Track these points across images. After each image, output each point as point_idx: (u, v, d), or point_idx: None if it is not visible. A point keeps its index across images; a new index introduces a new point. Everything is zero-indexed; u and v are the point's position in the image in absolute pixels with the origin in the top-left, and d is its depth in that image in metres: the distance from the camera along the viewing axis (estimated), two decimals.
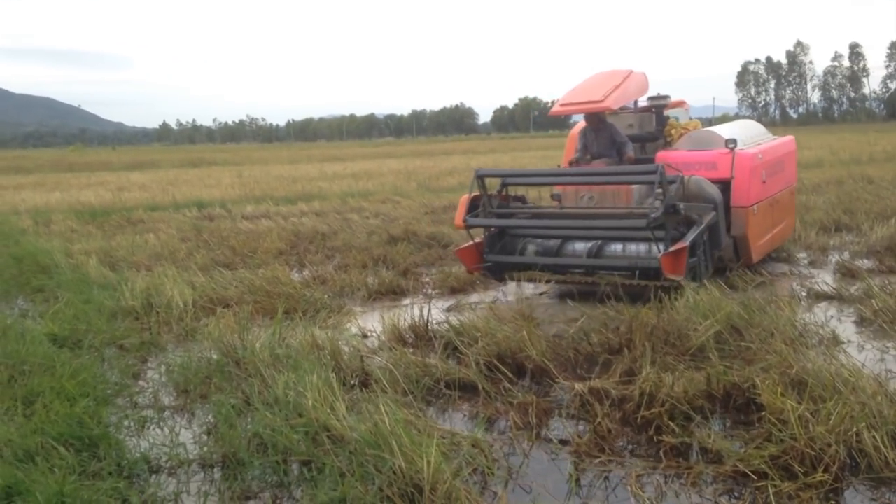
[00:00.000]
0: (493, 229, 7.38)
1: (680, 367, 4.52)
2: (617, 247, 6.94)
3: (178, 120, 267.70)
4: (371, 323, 6.25)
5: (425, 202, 15.31)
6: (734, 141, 7.22)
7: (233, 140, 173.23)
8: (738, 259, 7.30)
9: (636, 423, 3.99)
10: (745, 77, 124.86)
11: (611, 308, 5.74)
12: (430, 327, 5.66)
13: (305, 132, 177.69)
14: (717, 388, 4.20)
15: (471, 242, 7.33)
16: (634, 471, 3.49)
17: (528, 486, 3.43)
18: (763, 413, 3.77)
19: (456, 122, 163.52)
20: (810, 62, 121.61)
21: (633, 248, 6.85)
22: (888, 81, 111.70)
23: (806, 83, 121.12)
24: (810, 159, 22.02)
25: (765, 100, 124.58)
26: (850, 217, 10.56)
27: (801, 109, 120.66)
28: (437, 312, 6.32)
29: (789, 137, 8.96)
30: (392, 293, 7.54)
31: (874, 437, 3.39)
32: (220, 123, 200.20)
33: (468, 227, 7.25)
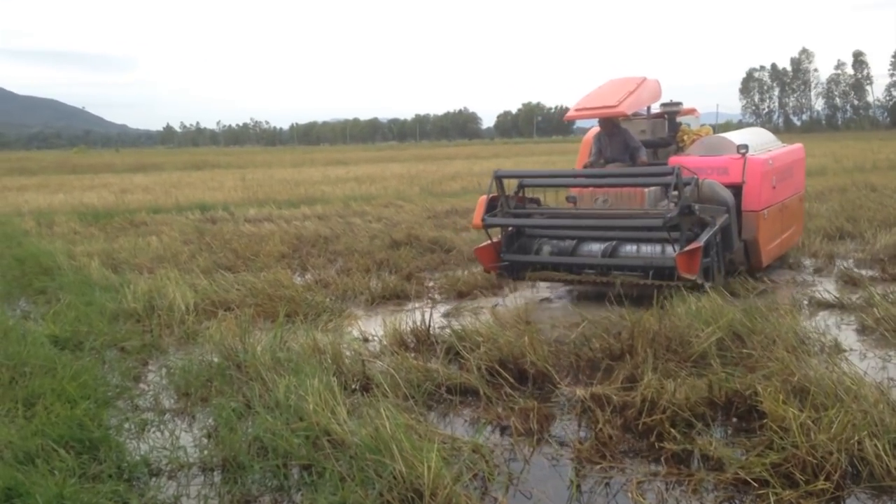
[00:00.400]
0: (510, 229, 7.52)
1: (682, 374, 4.52)
2: (631, 248, 7.06)
3: (181, 122, 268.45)
4: (373, 327, 6.25)
5: (428, 207, 15.32)
6: (746, 146, 7.35)
7: (236, 143, 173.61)
8: (748, 263, 7.46)
9: (637, 429, 3.98)
10: (749, 84, 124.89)
11: (613, 313, 5.74)
12: (431, 332, 5.66)
13: (309, 136, 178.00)
14: (718, 395, 4.19)
15: (488, 242, 7.44)
16: (635, 477, 3.48)
17: (528, 492, 3.42)
18: (765, 420, 3.76)
19: (459, 126, 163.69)
20: (815, 69, 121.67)
21: (646, 249, 6.97)
22: (892, 89, 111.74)
23: (810, 90, 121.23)
24: (814, 167, 21.97)
25: (768, 107, 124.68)
26: (853, 225, 10.55)
27: (804, 117, 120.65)
28: (439, 317, 6.32)
29: (798, 145, 9.09)
30: (396, 297, 7.54)
31: (876, 445, 3.38)
32: (224, 126, 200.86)
33: (486, 226, 7.38)
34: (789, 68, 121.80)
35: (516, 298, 7.38)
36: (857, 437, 3.41)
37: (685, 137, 8.40)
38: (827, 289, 7.02)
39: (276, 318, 5.88)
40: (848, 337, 5.61)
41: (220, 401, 4.39)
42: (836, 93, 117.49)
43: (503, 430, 4.14)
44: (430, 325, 5.70)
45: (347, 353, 5.17)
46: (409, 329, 5.72)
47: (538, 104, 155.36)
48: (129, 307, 6.83)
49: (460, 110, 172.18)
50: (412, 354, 5.24)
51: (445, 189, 19.69)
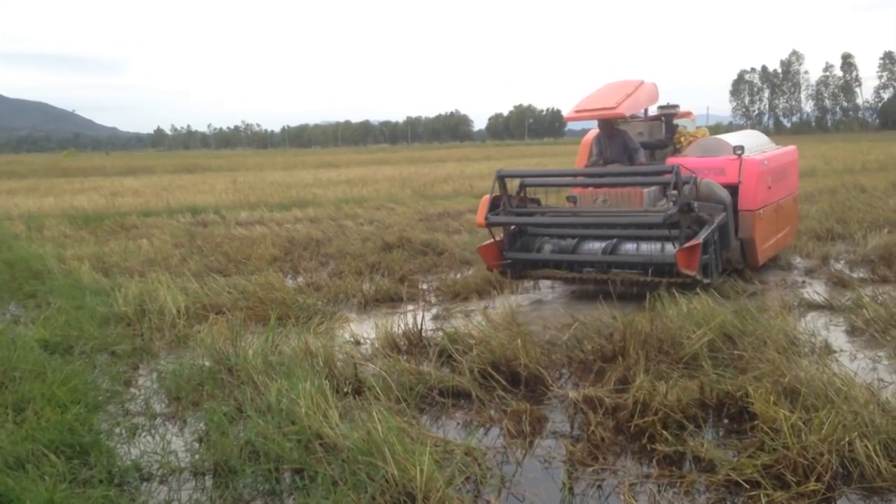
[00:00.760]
0: (513, 228, 7.62)
1: (673, 376, 4.53)
2: (631, 246, 7.17)
3: (172, 125, 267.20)
4: (365, 330, 6.24)
5: (420, 209, 15.32)
6: (742, 148, 7.51)
7: (227, 146, 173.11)
8: (744, 261, 7.66)
9: (630, 431, 3.99)
10: (739, 86, 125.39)
11: (605, 314, 5.76)
12: (423, 334, 5.66)
13: (300, 138, 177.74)
14: (710, 397, 4.21)
15: (492, 240, 7.55)
16: (627, 479, 3.48)
17: (521, 495, 3.42)
18: (756, 422, 3.78)
19: (451, 129, 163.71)
20: (805, 71, 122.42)
21: (646, 247, 7.08)
22: (881, 91, 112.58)
23: (800, 92, 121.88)
24: (804, 168, 21.90)
25: (759, 108, 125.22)
26: (842, 226, 10.61)
27: (794, 119, 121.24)
28: (431, 320, 6.30)
29: (792, 147, 9.27)
30: (389, 300, 7.54)
31: (866, 446, 3.40)
32: (215, 129, 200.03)
33: (489, 224, 7.49)
34: (779, 70, 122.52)
35: (507, 300, 7.38)
36: (847, 438, 3.43)
37: (682, 139, 8.59)
38: (817, 290, 7.07)
39: (268, 322, 5.86)
40: (838, 338, 5.64)
41: (211, 405, 4.37)
42: (825, 95, 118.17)
43: (495, 432, 4.14)
44: (422, 328, 5.70)
45: (339, 357, 5.15)
46: (401, 332, 5.71)
47: (529, 106, 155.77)
48: (120, 311, 6.80)
49: (452, 112, 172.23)
50: (404, 357, 5.24)
51: (437, 191, 19.69)
